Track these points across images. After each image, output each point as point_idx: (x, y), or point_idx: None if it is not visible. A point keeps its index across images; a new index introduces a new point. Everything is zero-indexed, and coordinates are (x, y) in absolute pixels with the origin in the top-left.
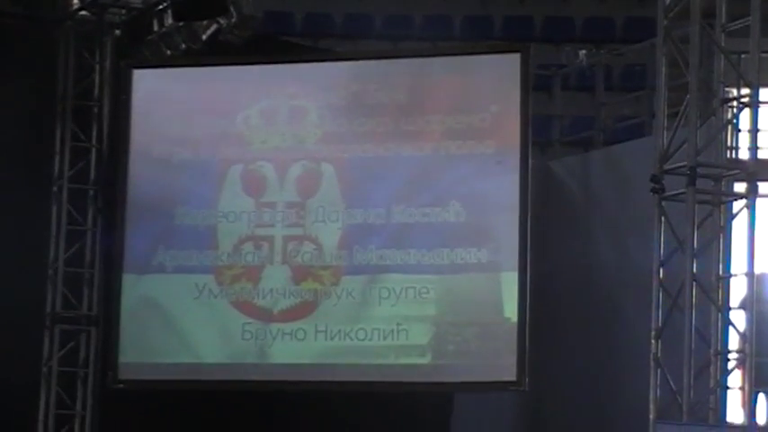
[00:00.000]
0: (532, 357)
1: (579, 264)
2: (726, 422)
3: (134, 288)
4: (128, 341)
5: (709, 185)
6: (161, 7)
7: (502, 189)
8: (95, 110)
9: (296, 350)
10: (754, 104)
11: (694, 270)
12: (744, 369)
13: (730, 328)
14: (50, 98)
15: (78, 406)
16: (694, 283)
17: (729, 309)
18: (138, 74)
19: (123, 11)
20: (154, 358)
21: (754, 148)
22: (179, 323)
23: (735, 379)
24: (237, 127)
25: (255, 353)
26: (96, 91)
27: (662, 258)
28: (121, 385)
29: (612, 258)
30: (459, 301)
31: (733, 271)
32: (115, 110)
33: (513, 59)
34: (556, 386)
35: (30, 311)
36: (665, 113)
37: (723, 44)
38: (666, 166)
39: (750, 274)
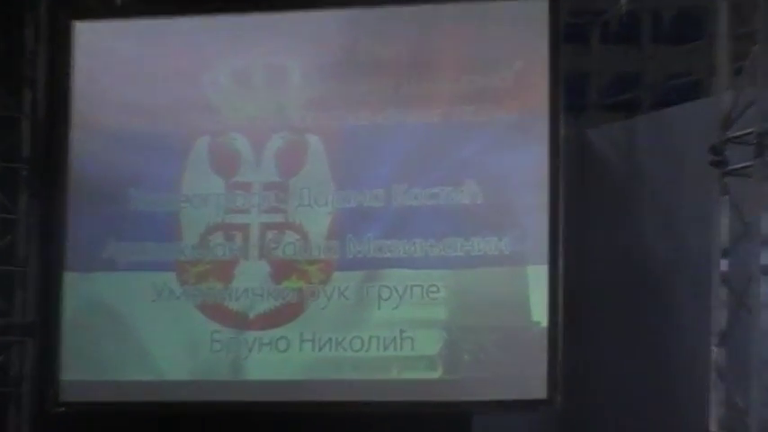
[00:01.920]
0: (566, 369)
1: (623, 254)
2: None
3: (78, 289)
4: (71, 354)
5: None
6: None
7: (528, 164)
8: (27, 71)
9: (277, 364)
10: None
11: (765, 261)
12: None
13: None
14: None
15: None
16: (764, 278)
17: None
18: (80, 26)
19: None
20: (103, 375)
21: None
22: (134, 332)
23: None
24: (203, 91)
25: (227, 367)
26: (28, 47)
27: (725, 247)
28: (63, 408)
29: (664, 247)
30: (475, 301)
31: None
32: (52, 71)
33: (541, 5)
34: (595, 404)
35: None
36: (728, 69)
37: None
38: (729, 134)
39: None
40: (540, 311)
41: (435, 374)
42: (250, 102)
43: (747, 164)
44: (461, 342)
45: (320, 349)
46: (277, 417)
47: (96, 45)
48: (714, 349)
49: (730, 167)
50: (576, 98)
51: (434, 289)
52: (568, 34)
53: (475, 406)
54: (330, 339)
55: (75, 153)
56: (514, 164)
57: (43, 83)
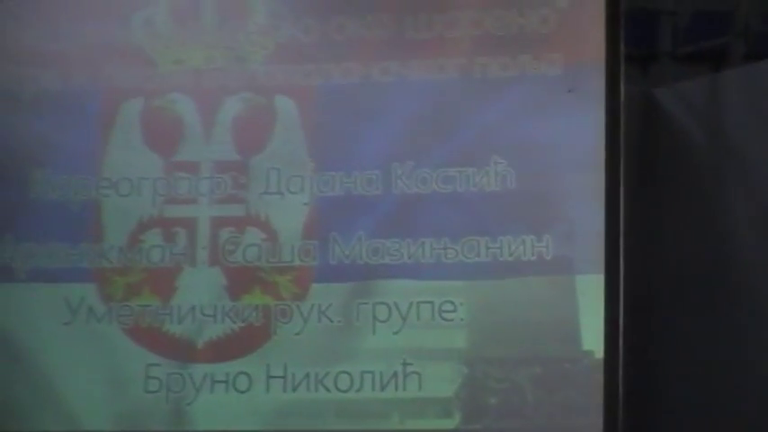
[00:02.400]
0: (629, 415)
1: (704, 256)
2: None
3: None
4: None
5: None
6: None
7: (576, 135)
8: None
9: (234, 409)
10: None
11: None
12: None
13: None
14: None
15: None
16: None
17: None
18: None
19: None
20: None
21: None
22: (39, 365)
23: None
24: (133, 35)
25: (167, 414)
26: None
27: None
28: None
29: (759, 241)
30: (505, 323)
31: None
32: None
33: None
34: None
35: None
36: None
37: None
38: None
39: None
40: (593, 337)
41: (451, 423)
42: (197, 50)
43: None
44: (486, 379)
45: (294, 389)
46: None
47: None
48: None
49: None
50: (641, 46)
51: (450, 307)
52: None
53: None
54: (307, 375)
55: None
56: (558, 135)
57: None
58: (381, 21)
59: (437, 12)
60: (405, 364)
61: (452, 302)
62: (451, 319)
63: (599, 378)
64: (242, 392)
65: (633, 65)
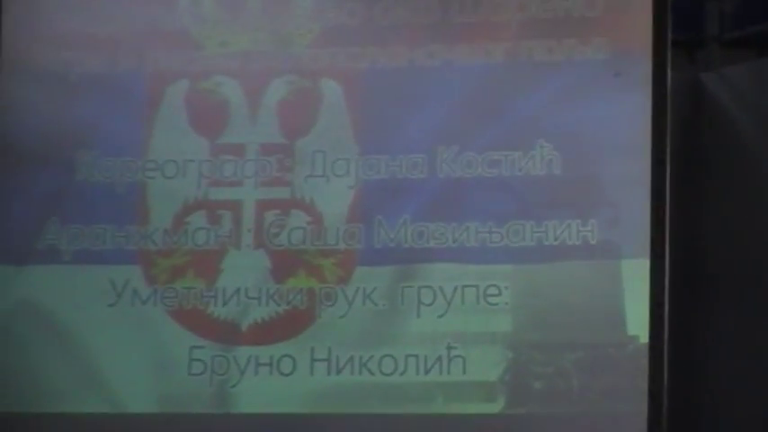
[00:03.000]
0: (673, 401)
1: (751, 238)
2: None
3: (8, 288)
4: None
5: None
6: None
7: (623, 120)
8: None
9: (278, 392)
10: None
11: None
12: None
13: None
14: None
15: None
16: None
17: None
18: None
19: None
20: (40, 406)
21: None
22: (83, 347)
23: None
24: (179, 18)
25: (211, 396)
26: None
27: None
28: None
29: None
30: (550, 308)
31: None
32: None
33: None
34: None
35: None
36: None
37: None
38: None
39: None
40: (638, 322)
41: (495, 408)
42: (243, 33)
43: None
44: (531, 364)
45: (338, 372)
46: None
47: None
48: None
49: None
50: (690, 30)
51: (494, 291)
52: None
53: None
54: (351, 359)
55: (2, 103)
56: (604, 120)
57: None
58: (427, 5)
59: None
60: (449, 348)
61: (497, 286)
62: (496, 303)
63: (644, 363)
64: (286, 375)
65: (680, 50)
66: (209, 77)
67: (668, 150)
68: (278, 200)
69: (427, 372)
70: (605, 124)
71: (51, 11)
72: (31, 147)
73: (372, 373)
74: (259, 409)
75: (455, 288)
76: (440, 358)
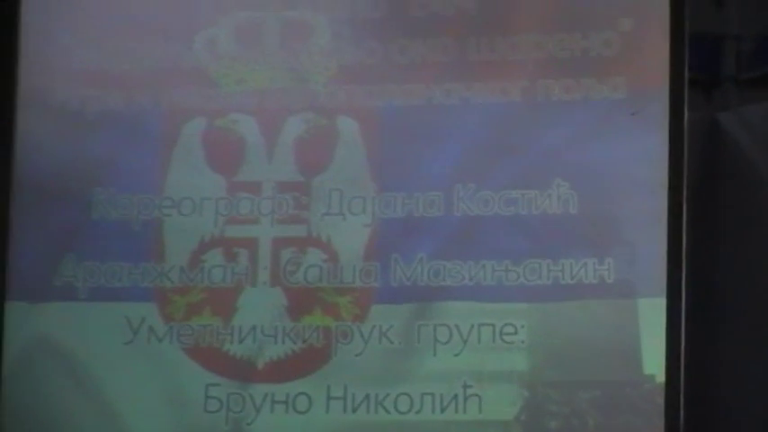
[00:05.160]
0: None
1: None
2: None
3: (24, 324)
4: (11, 413)
5: None
6: None
7: (639, 159)
8: None
9: (294, 429)
10: None
11: None
12: None
13: None
14: None
15: None
16: None
17: None
18: None
19: None
20: None
21: None
22: (99, 384)
23: None
24: (196, 56)
25: None
26: None
27: None
28: None
29: None
30: (566, 346)
31: None
32: None
33: None
34: None
35: None
36: None
37: None
38: None
39: None
40: (654, 361)
41: None
42: (260, 71)
43: None
44: (547, 403)
45: (354, 410)
46: None
47: None
48: None
49: None
50: (707, 70)
51: (511, 329)
52: None
53: None
54: (367, 397)
55: (20, 140)
56: (621, 159)
57: None
58: (444, 43)
59: (500, 34)
60: (465, 387)
61: (513, 325)
62: (512, 342)
63: (660, 402)
64: (302, 413)
65: (697, 89)
66: (226, 115)
67: (685, 189)
68: (294, 237)
69: (443, 410)
70: (622, 163)
71: (68, 48)
72: (47, 183)
73: (388, 412)
74: None
75: (471, 326)
76: (456, 397)
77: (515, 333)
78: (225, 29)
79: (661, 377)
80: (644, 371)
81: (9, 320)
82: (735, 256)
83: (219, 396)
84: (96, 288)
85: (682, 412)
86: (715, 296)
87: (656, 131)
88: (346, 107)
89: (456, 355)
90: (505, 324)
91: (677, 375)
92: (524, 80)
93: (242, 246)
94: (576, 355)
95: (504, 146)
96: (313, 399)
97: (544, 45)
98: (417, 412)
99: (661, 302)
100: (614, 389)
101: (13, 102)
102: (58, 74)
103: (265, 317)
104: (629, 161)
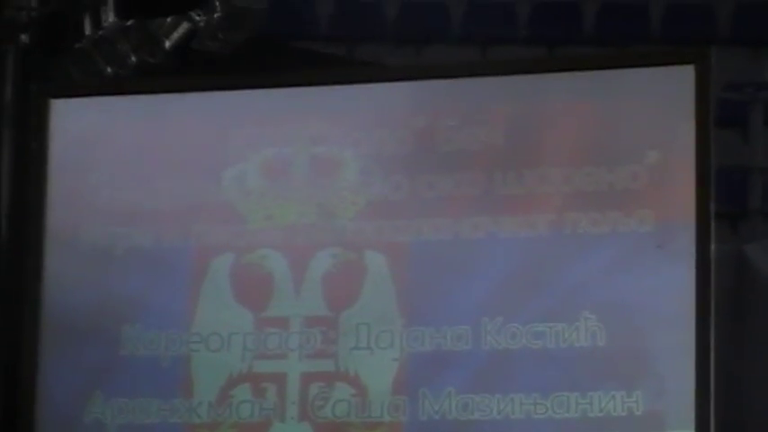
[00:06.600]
0: None
1: None
2: None
3: None
4: None
5: None
6: None
7: (666, 291)
8: None
9: None
10: None
11: None
12: None
13: None
14: None
15: None
16: None
17: None
18: (58, 105)
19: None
20: None
21: None
22: None
23: None
24: (224, 192)
25: None
26: None
27: None
28: None
29: None
30: None
31: None
32: (21, 163)
33: (684, 74)
34: None
35: None
36: None
37: None
38: None
39: None
40: None
41: None
42: (288, 207)
43: None
44: None
45: None
46: None
47: (81, 129)
48: None
49: None
50: (733, 203)
51: None
52: (722, 115)
53: None
54: None
55: (49, 278)
56: (648, 291)
57: (9, 179)
58: (471, 177)
59: (527, 168)
60: None
61: None
62: None
63: None
64: None
65: (723, 221)
66: (254, 251)
67: (712, 321)
68: (322, 372)
69: None
70: (649, 296)
71: (97, 186)
72: (76, 320)
73: None
74: None
75: None
76: None
77: None
78: (253, 165)
79: None
80: None
81: None
82: (764, 389)
83: None
84: (125, 425)
85: None
86: (745, 428)
87: (682, 264)
88: (374, 242)
89: None
90: None
91: None
92: (551, 213)
93: (270, 381)
94: None
95: (531, 279)
96: None
97: (571, 179)
98: None
99: None
100: None
101: (42, 239)
102: (87, 212)
103: None
104: (656, 294)
